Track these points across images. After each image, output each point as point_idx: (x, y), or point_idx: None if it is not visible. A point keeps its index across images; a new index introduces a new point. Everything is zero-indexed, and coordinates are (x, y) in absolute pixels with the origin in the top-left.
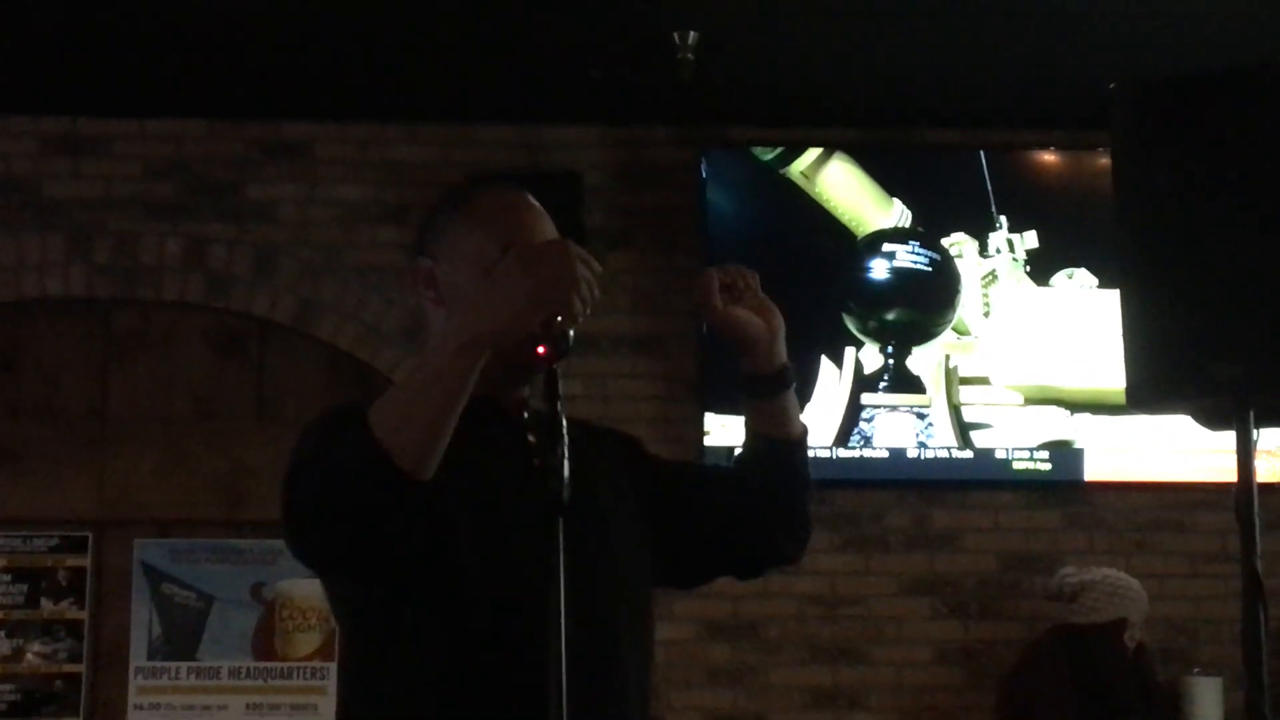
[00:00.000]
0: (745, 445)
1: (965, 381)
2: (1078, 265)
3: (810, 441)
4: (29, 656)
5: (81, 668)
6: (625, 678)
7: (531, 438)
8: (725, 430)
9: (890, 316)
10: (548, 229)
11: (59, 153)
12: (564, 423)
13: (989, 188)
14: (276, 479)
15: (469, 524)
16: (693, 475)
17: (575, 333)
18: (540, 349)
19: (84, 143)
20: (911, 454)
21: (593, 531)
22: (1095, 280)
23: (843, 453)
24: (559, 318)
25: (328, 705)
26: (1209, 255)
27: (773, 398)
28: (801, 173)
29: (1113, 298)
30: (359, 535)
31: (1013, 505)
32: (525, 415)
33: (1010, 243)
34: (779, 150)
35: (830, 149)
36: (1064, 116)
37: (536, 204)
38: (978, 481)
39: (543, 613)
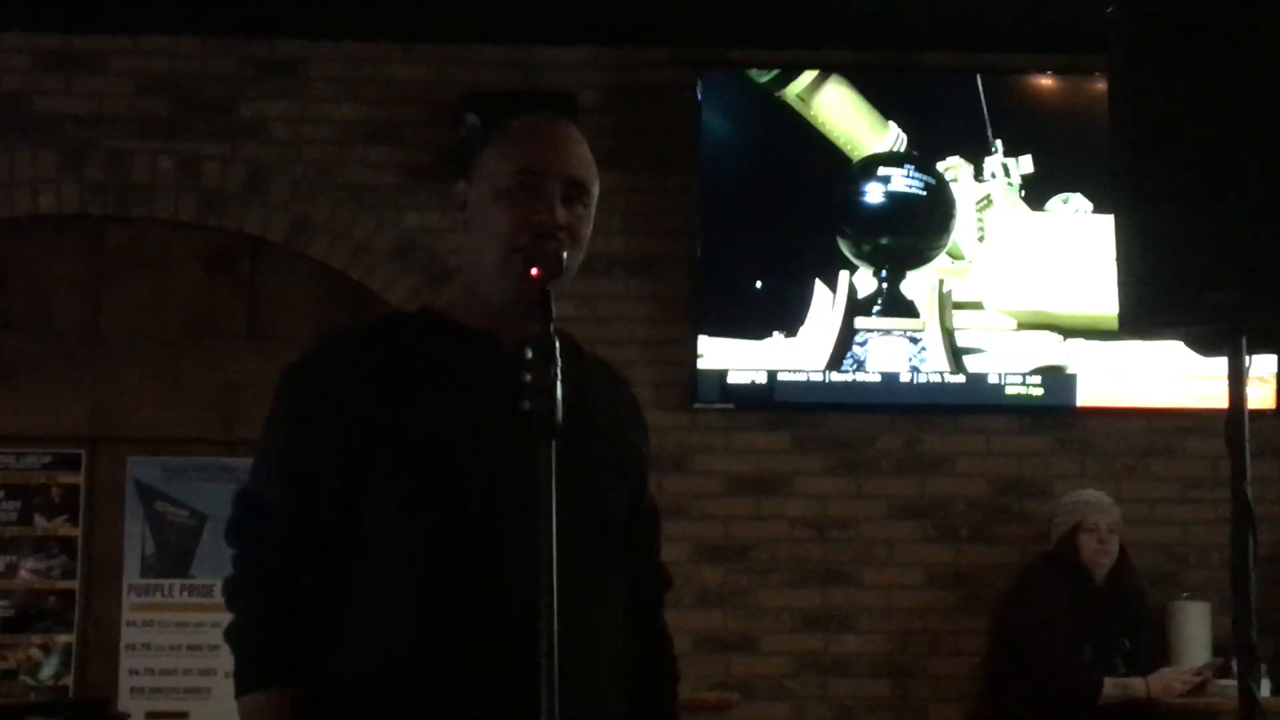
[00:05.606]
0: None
1: (958, 306)
2: (1073, 190)
3: (803, 365)
4: (23, 573)
5: (75, 584)
6: (600, 609)
7: (529, 376)
8: (718, 353)
9: (884, 240)
10: (570, 157)
11: (51, 69)
12: (557, 346)
13: (985, 111)
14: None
15: (441, 462)
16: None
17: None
18: (534, 270)
19: (76, 59)
20: (904, 378)
21: (578, 455)
22: (1090, 205)
23: (835, 376)
24: (552, 240)
25: None
26: (1204, 181)
27: None
28: (797, 95)
29: (1107, 223)
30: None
31: (1004, 430)
32: (528, 353)
33: (1005, 167)
34: (775, 72)
35: (826, 71)
36: (1061, 40)
37: (568, 133)
38: (970, 406)
39: (526, 540)
